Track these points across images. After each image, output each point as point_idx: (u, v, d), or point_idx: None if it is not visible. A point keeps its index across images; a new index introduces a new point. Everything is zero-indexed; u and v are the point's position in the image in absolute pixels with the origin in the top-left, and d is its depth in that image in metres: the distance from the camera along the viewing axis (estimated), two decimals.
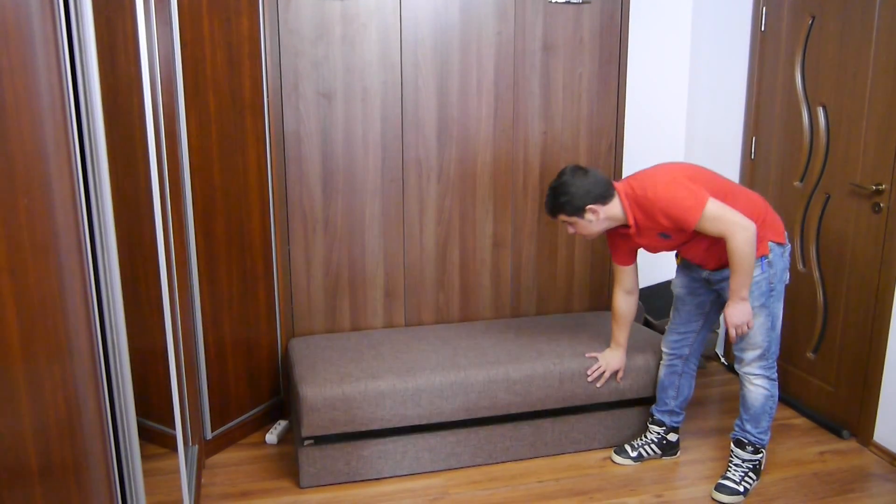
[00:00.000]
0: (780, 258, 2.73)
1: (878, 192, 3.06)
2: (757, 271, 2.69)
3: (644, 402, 3.23)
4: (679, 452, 3.18)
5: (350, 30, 3.18)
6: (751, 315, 2.68)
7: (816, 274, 3.42)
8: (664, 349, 3.09)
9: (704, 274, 2.87)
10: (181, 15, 2.68)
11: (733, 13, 3.83)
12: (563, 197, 2.72)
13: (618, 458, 3.14)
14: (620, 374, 3.09)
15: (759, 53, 3.68)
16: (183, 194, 2.80)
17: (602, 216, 2.72)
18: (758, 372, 2.82)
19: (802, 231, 3.47)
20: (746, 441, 2.90)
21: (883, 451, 3.14)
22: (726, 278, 2.76)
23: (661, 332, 3.79)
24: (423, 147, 3.36)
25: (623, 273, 2.97)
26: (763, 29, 3.65)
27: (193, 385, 2.96)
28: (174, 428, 2.42)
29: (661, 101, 4.16)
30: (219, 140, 2.92)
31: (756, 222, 2.62)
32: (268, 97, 3.10)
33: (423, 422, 2.92)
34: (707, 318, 3.00)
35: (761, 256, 2.70)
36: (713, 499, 2.85)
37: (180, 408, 2.57)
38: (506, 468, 3.06)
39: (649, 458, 3.14)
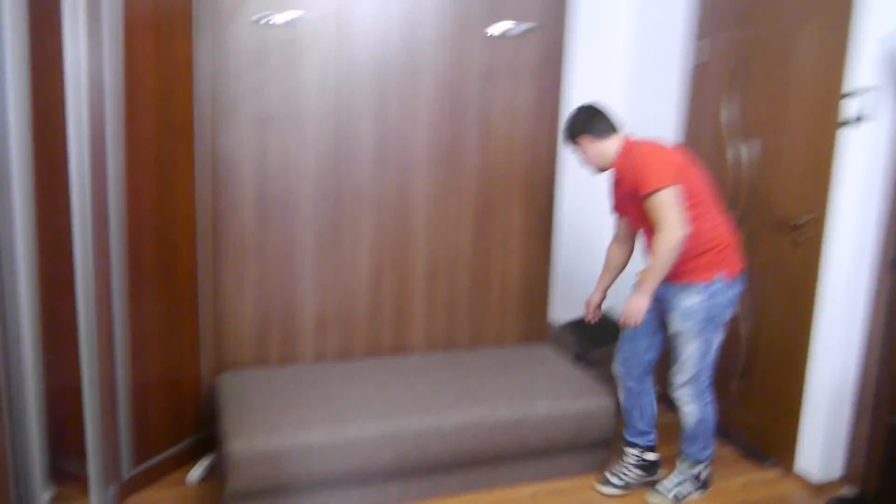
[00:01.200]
0: (724, 293, 2.80)
1: (798, 227, 3.18)
2: (696, 298, 2.78)
3: (574, 449, 3.21)
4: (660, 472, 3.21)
5: (288, 55, 3.12)
6: (643, 314, 2.81)
7: (740, 305, 3.52)
8: (615, 373, 3.15)
9: None
10: (113, 36, 2.56)
11: (667, 49, 3.94)
12: (566, 123, 2.97)
13: (604, 490, 3.12)
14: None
15: (690, 89, 3.79)
16: (108, 222, 2.66)
17: (592, 151, 2.91)
18: (687, 398, 2.92)
19: None
20: (684, 455, 3.01)
21: (803, 480, 3.23)
22: (672, 295, 2.83)
23: (593, 364, 3.85)
24: (359, 176, 3.31)
25: (618, 222, 3.11)
26: (694, 65, 3.76)
27: (113, 422, 2.80)
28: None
29: None
30: (150, 165, 2.80)
31: (708, 247, 2.75)
32: (201, 123, 3.00)
33: (351, 477, 2.85)
34: (653, 336, 3.04)
35: (703, 283, 2.77)
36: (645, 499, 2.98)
37: (95, 449, 2.42)
38: None
39: (635, 482, 3.14)
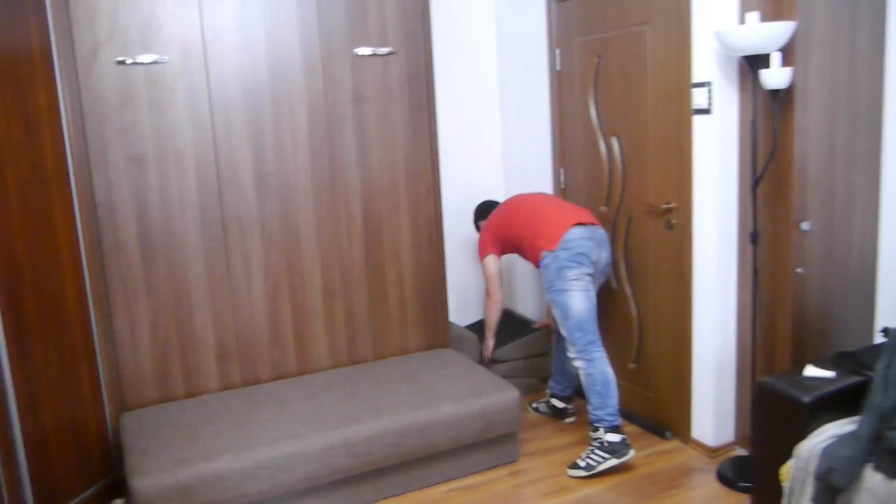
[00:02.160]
0: (553, 260, 3.33)
1: (668, 211, 3.37)
2: (543, 275, 3.41)
3: (483, 445, 3.32)
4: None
5: (156, 94, 3.16)
6: (488, 351, 3.98)
7: (628, 289, 3.69)
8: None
9: None
10: None
11: (532, 55, 4.11)
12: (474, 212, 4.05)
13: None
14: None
15: (558, 91, 3.97)
16: None
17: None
18: (572, 355, 3.35)
19: (613, 252, 3.74)
20: (589, 421, 3.35)
21: (700, 446, 3.41)
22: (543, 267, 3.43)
23: (493, 363, 4.01)
24: (243, 204, 3.37)
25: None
26: (559, 69, 3.94)
27: (12, 476, 2.79)
28: None
29: (478, 140, 4.38)
30: (20, 215, 2.81)
31: (530, 241, 3.45)
32: (74, 167, 3.02)
33: (265, 498, 2.89)
34: None
35: (539, 263, 3.40)
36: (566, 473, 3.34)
37: None
38: None
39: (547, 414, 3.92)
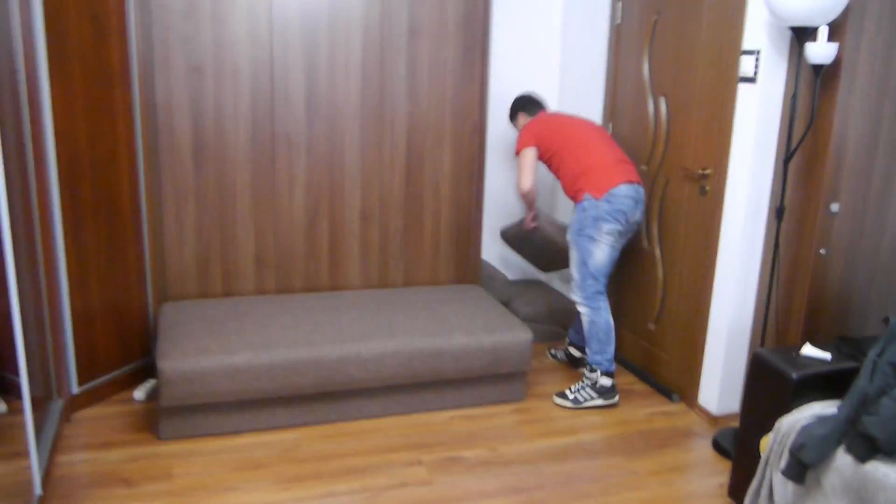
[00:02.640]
0: (593, 208, 3.37)
1: (704, 177, 3.37)
2: (573, 215, 3.48)
3: (490, 379, 3.48)
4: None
5: (219, 7, 3.33)
6: (530, 220, 3.86)
7: (658, 251, 3.73)
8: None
9: None
10: None
11: (595, 5, 4.09)
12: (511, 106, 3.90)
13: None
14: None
15: (615, 45, 3.95)
16: (46, 159, 2.92)
17: (521, 123, 3.82)
18: (578, 300, 3.50)
19: (647, 212, 3.77)
20: (586, 361, 3.57)
21: (703, 413, 3.47)
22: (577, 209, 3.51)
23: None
24: (292, 121, 3.54)
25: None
26: (619, 22, 3.92)
27: (59, 341, 3.10)
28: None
29: (533, 85, 4.41)
30: (85, 108, 3.05)
31: (575, 174, 3.45)
32: (137, 69, 3.23)
33: (277, 395, 3.13)
34: None
35: (577, 202, 3.44)
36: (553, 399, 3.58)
37: (29, 362, 2.71)
38: (358, 424, 3.29)
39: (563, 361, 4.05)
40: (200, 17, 3.31)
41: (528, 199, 3.66)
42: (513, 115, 3.85)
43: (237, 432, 3.16)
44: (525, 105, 3.80)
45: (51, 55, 2.87)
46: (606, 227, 3.37)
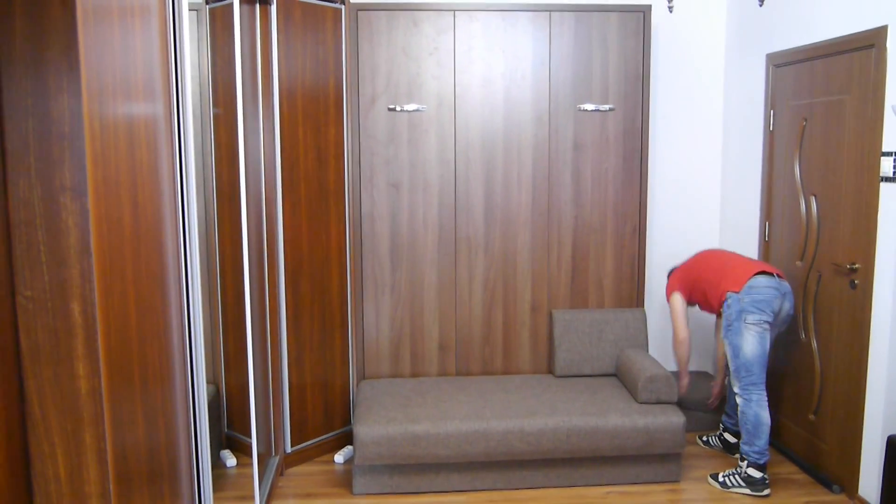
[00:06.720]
0: (736, 302, 3.65)
1: (853, 271, 3.53)
2: (724, 314, 3.73)
3: (645, 459, 3.75)
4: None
5: (415, 135, 4.06)
6: (683, 388, 4.12)
7: (814, 343, 3.86)
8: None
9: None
10: (282, 126, 3.65)
11: (751, 115, 4.42)
12: None
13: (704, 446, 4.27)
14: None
15: (770, 150, 4.24)
16: (277, 259, 3.71)
17: None
18: (735, 389, 3.71)
19: (803, 305, 3.93)
20: (740, 449, 3.72)
21: None
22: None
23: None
24: (473, 227, 4.15)
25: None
26: (772, 129, 4.21)
27: (279, 409, 3.80)
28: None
29: (695, 190, 4.74)
30: (307, 219, 3.84)
31: (715, 284, 3.79)
32: (349, 187, 4.01)
33: (451, 461, 3.61)
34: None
35: (722, 303, 3.72)
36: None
37: (257, 425, 3.40)
38: (522, 493, 3.68)
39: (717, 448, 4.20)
40: (399, 143, 4.06)
41: (681, 352, 4.02)
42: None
43: (417, 492, 3.66)
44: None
45: (284, 180, 3.69)
46: (751, 318, 3.59)
